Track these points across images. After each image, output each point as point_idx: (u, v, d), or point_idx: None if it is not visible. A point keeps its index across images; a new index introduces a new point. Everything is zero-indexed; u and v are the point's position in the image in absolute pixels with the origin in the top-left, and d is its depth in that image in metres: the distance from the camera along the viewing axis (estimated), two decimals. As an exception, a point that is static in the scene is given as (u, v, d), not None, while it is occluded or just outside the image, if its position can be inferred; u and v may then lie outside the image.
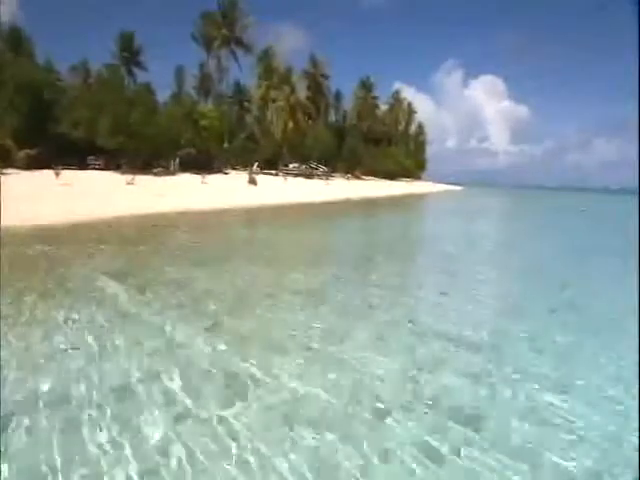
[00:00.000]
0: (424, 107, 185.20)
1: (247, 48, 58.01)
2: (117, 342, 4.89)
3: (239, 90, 66.70)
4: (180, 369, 4.28)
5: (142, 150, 38.18)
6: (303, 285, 7.96)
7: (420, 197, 59.81)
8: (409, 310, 6.85)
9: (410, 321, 6.15)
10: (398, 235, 18.04)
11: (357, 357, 4.78)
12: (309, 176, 58.69)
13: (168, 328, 5.39)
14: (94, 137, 36.65)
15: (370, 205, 36.98)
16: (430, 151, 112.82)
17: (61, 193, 21.01)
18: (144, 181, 31.11)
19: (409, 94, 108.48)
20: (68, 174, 29.15)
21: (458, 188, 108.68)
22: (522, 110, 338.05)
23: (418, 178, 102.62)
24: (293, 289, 7.62)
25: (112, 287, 7.08)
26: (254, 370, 4.34)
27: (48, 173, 28.61)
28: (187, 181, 35.82)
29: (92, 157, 39.26)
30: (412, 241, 16.86)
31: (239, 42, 57.42)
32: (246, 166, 49.17)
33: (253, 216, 22.68)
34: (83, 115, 36.85)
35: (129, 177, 30.29)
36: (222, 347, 4.91)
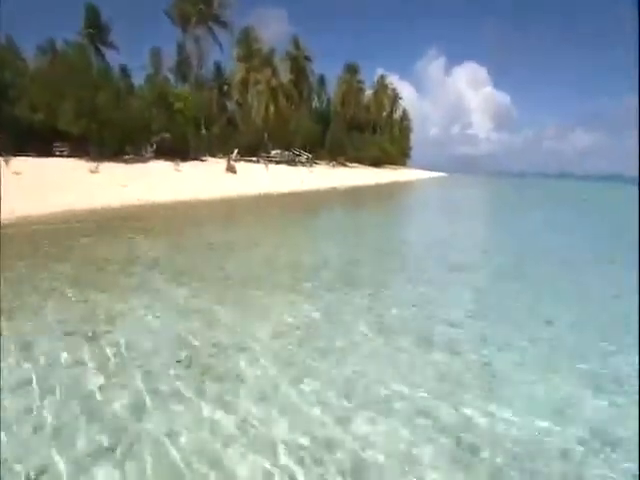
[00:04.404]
0: (407, 95, 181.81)
1: (226, 26, 54.34)
2: None
3: (219, 73, 63.14)
4: None
5: (110, 135, 35.00)
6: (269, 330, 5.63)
7: (410, 185, 57.81)
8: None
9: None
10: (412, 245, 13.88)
11: None
12: (292, 163, 55.99)
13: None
14: (55, 121, 33.35)
15: (359, 195, 34.69)
16: (413, 138, 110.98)
17: None
18: (111, 169, 28.26)
19: (392, 81, 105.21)
20: (24, 161, 26.09)
21: (443, 175, 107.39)
22: (504, 98, 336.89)
23: (403, 165, 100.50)
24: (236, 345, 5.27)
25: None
26: None
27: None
28: (159, 169, 32.91)
29: (57, 143, 35.98)
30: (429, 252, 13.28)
31: (217, 20, 53.76)
32: (225, 153, 46.21)
33: (226, 210, 20.09)
34: (42, 97, 33.46)
35: (93, 165, 27.37)
36: None
